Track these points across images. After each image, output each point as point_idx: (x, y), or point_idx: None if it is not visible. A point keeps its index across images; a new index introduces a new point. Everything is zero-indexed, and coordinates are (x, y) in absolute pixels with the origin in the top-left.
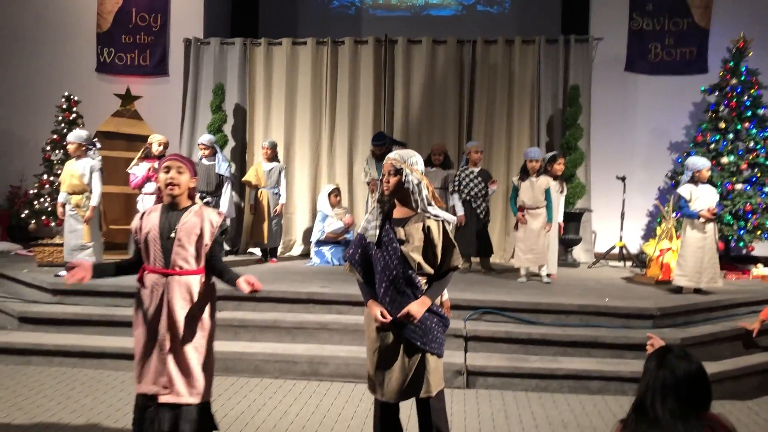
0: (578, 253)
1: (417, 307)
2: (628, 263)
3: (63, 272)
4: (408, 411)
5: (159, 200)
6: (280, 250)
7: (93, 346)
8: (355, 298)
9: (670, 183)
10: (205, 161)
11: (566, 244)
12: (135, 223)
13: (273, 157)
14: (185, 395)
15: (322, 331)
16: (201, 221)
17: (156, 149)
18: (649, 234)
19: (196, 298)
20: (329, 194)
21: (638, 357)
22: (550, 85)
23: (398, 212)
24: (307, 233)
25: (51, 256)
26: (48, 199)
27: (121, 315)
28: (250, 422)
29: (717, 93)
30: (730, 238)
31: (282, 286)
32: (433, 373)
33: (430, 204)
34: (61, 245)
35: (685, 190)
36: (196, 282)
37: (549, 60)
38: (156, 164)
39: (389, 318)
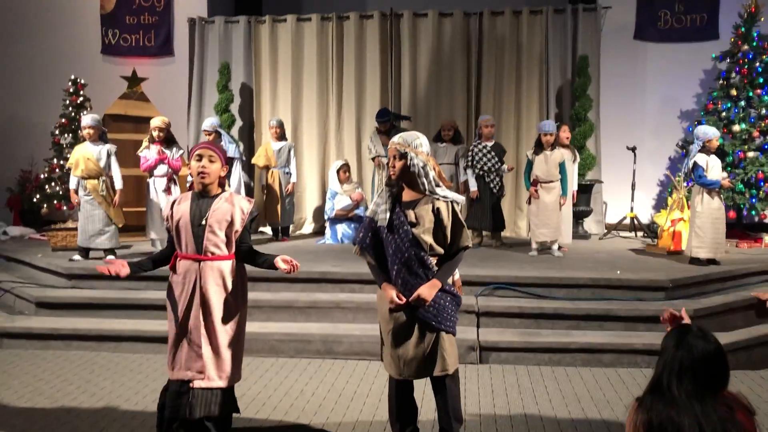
0: (589, 224)
1: (428, 290)
2: (639, 234)
3: (77, 257)
4: (422, 388)
5: (170, 182)
6: (291, 228)
7: (109, 330)
8: (367, 277)
9: (680, 152)
10: None
11: (577, 215)
12: (166, 211)
13: (282, 135)
14: (216, 379)
15: (335, 309)
16: (232, 208)
17: (155, 134)
18: (660, 204)
19: (228, 283)
20: (338, 170)
21: (651, 329)
22: (559, 56)
23: (407, 195)
24: (318, 211)
25: (65, 241)
26: (59, 183)
27: (135, 299)
28: (267, 402)
29: (728, 60)
30: (742, 206)
31: None
32: (448, 351)
33: (437, 185)
34: (75, 229)
35: (701, 159)
36: (227, 267)
37: (557, 30)
38: (162, 147)
39: (404, 300)
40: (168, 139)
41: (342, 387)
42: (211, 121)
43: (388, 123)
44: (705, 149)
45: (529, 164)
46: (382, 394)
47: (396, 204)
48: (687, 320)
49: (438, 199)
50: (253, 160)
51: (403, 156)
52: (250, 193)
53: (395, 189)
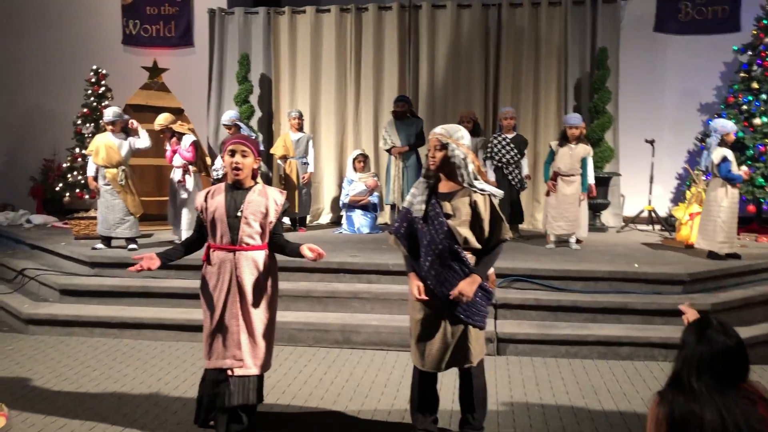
0: (606, 217)
1: (468, 286)
2: (657, 227)
3: (99, 245)
4: (440, 379)
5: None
6: (308, 218)
7: (132, 317)
8: (384, 267)
9: (700, 146)
10: None
11: (594, 208)
12: (200, 202)
13: (301, 126)
14: (252, 367)
15: (353, 300)
16: (266, 200)
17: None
18: (678, 197)
19: (262, 272)
20: (354, 160)
21: (668, 323)
22: (578, 48)
23: (444, 186)
24: (335, 201)
25: (87, 229)
26: (81, 172)
27: (157, 287)
28: (287, 390)
29: (750, 52)
30: (762, 200)
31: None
32: (475, 344)
33: (476, 178)
34: (96, 218)
35: (727, 152)
36: (261, 257)
37: (576, 22)
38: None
39: (423, 296)
40: (176, 133)
41: (360, 376)
42: (229, 115)
43: (404, 104)
44: (723, 143)
45: (551, 156)
46: (400, 384)
47: (432, 195)
48: (691, 314)
49: (476, 191)
50: (272, 150)
51: (444, 147)
52: (269, 183)
53: (432, 180)
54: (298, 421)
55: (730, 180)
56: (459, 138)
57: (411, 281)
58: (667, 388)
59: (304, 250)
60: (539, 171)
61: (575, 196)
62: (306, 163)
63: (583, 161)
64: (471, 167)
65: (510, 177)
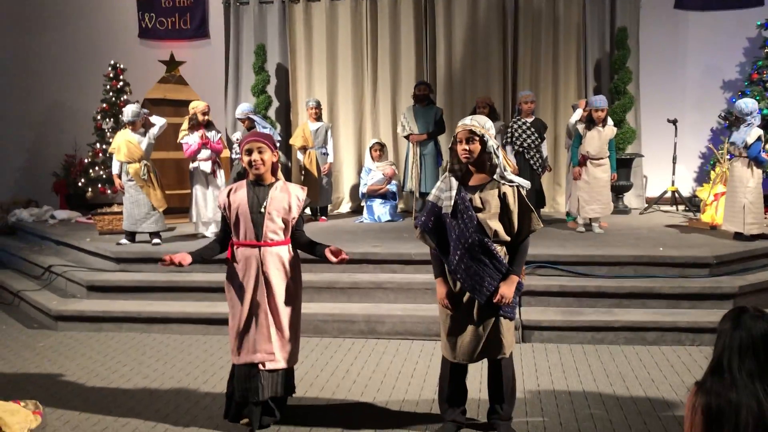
0: (629, 198)
1: (509, 288)
2: (681, 208)
3: (124, 240)
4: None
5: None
6: (329, 207)
7: (158, 312)
8: (407, 257)
9: (723, 124)
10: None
11: (617, 190)
12: (222, 199)
13: (319, 116)
14: (281, 360)
15: (377, 290)
16: (288, 197)
17: (201, 118)
18: (701, 178)
19: (287, 267)
20: (370, 149)
21: (694, 306)
22: (597, 28)
23: (472, 179)
24: (354, 190)
25: (111, 224)
26: (103, 168)
27: (182, 281)
28: (314, 382)
29: None
30: None
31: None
32: (507, 334)
33: (505, 169)
34: (120, 213)
35: (761, 133)
36: (285, 251)
37: (595, 2)
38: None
39: (449, 306)
40: (208, 123)
41: (386, 367)
42: (242, 109)
43: (426, 88)
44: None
45: (578, 140)
46: (426, 373)
47: (460, 188)
48: None
49: (504, 183)
50: (291, 141)
51: (481, 139)
52: (288, 174)
53: (460, 173)
54: (328, 412)
55: (760, 162)
56: (489, 128)
57: (438, 286)
58: (706, 377)
59: (328, 254)
60: (560, 154)
61: (607, 179)
62: (326, 153)
63: (611, 143)
64: (501, 158)
65: (531, 162)
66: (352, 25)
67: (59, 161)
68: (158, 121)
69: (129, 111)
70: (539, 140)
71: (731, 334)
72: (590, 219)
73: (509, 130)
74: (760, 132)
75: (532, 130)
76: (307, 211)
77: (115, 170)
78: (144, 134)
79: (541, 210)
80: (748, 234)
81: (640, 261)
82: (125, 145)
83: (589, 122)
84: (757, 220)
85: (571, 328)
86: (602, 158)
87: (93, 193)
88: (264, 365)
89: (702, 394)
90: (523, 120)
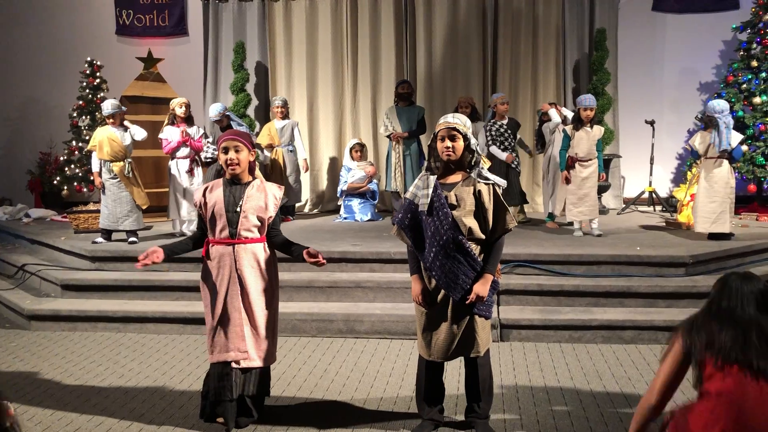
0: (607, 199)
1: (483, 287)
2: (658, 208)
3: (100, 239)
4: (446, 366)
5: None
6: (307, 207)
7: (134, 311)
8: (386, 256)
9: (700, 125)
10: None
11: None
12: (198, 198)
13: (286, 114)
14: (256, 359)
15: (356, 289)
16: (265, 196)
17: (180, 112)
18: (678, 178)
19: (262, 264)
20: (350, 149)
21: (671, 305)
22: (576, 30)
23: (449, 177)
24: (333, 189)
25: (87, 223)
26: (79, 165)
27: (158, 280)
28: (292, 381)
29: (749, 30)
30: (762, 179)
31: (313, 245)
32: (481, 333)
33: (483, 167)
34: (97, 212)
35: (741, 137)
36: (261, 249)
37: (574, 3)
38: (186, 128)
39: (423, 303)
40: (189, 119)
41: (365, 366)
42: (217, 109)
43: (409, 86)
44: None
45: (567, 140)
46: (404, 372)
47: (437, 186)
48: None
49: (479, 181)
50: (257, 139)
51: (464, 136)
52: (266, 172)
53: (438, 171)
54: (305, 412)
55: (736, 161)
56: (469, 127)
57: (414, 283)
58: (696, 318)
59: (306, 256)
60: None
61: (594, 180)
62: (292, 151)
63: (598, 143)
64: (480, 157)
65: (513, 162)
66: (332, 23)
67: (34, 159)
68: (141, 133)
69: (108, 104)
70: (514, 139)
71: (720, 288)
72: (590, 221)
73: (488, 134)
74: (741, 136)
75: (510, 131)
76: None
77: (95, 168)
78: (125, 130)
79: (524, 207)
80: (728, 232)
81: (617, 260)
82: (108, 142)
83: (578, 122)
84: (731, 217)
85: (548, 326)
86: (590, 159)
87: (69, 191)
88: (238, 363)
89: (683, 333)
90: (499, 123)
